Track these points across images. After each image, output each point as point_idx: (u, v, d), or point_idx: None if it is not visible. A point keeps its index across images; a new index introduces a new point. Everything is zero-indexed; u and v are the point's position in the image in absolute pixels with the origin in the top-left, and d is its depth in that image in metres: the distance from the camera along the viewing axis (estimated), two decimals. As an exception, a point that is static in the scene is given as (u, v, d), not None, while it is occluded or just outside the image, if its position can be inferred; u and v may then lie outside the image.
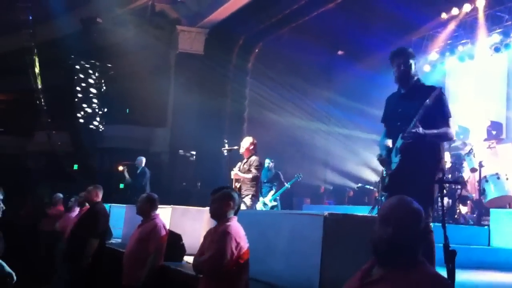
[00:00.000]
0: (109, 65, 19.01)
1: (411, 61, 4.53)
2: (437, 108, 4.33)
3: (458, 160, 9.93)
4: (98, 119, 18.67)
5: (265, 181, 11.36)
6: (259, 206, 10.98)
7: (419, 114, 4.24)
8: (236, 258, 3.89)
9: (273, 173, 11.78)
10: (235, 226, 4.04)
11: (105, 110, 18.98)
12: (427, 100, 4.25)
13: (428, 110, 4.26)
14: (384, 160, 4.58)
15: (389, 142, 4.58)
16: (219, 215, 4.11)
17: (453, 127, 4.58)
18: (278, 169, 12.10)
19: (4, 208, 3.94)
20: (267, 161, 11.74)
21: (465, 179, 9.97)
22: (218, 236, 3.94)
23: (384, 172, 4.73)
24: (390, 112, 4.69)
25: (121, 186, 17.40)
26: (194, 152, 16.86)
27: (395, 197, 2.36)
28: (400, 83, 4.59)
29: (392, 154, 4.51)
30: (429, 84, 4.80)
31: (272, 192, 11.32)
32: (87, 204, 8.55)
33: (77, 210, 9.24)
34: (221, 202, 4.12)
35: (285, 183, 11.51)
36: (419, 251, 2.28)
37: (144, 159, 12.78)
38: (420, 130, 4.20)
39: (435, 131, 4.32)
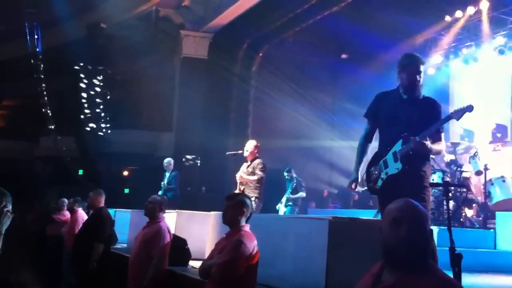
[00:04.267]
0: (114, 70, 19.05)
1: (422, 70, 4.51)
2: (434, 121, 4.38)
3: (456, 163, 9.92)
4: (103, 124, 18.69)
5: (290, 191, 11.91)
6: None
7: (430, 130, 4.28)
8: (246, 265, 3.91)
9: (294, 181, 11.97)
10: (249, 234, 4.05)
11: (110, 115, 19.01)
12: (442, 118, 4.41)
13: (428, 122, 4.33)
14: (356, 181, 4.82)
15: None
16: (232, 221, 4.13)
17: (444, 142, 4.61)
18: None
19: (12, 216, 3.95)
20: (285, 173, 12.17)
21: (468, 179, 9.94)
22: (232, 244, 3.95)
23: (374, 173, 4.65)
24: (386, 114, 4.63)
25: (126, 191, 17.45)
26: (198, 157, 16.88)
27: (401, 200, 2.32)
28: (407, 89, 4.54)
29: (388, 156, 4.49)
30: (433, 90, 4.88)
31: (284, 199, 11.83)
32: (75, 208, 8.63)
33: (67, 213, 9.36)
34: (236, 209, 4.13)
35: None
36: (429, 255, 2.27)
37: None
38: (429, 144, 4.26)
39: (437, 147, 4.41)
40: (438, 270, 2.23)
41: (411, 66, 4.48)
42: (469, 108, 4.24)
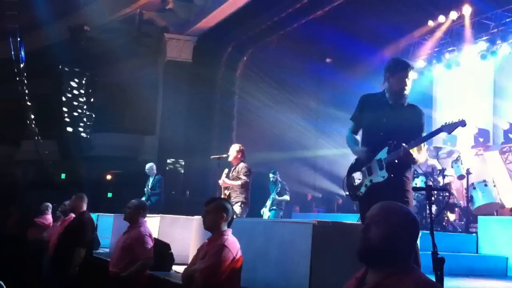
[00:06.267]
0: (97, 73, 18.94)
1: (411, 77, 4.47)
2: (418, 130, 4.40)
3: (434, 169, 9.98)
4: (85, 127, 18.57)
5: (273, 195, 11.91)
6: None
7: (418, 141, 4.27)
8: (229, 270, 3.88)
9: (279, 185, 11.96)
10: (232, 239, 4.01)
11: (93, 118, 18.89)
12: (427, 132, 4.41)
13: (411, 131, 4.33)
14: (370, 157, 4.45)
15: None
16: (213, 227, 4.08)
17: (425, 153, 4.62)
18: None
19: None
20: (270, 175, 12.01)
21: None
22: (214, 249, 3.91)
23: (356, 180, 4.56)
24: (370, 118, 4.56)
25: (109, 195, 17.33)
26: (182, 161, 16.81)
27: (385, 202, 2.35)
28: (394, 95, 4.49)
29: (373, 163, 4.43)
30: (416, 95, 4.82)
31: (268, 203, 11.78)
32: (71, 214, 8.52)
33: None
34: (215, 213, 4.09)
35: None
36: (411, 257, 2.27)
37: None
38: (415, 154, 4.26)
39: (420, 158, 4.40)
40: (420, 273, 2.24)
41: (401, 72, 4.42)
42: (462, 123, 4.18)
